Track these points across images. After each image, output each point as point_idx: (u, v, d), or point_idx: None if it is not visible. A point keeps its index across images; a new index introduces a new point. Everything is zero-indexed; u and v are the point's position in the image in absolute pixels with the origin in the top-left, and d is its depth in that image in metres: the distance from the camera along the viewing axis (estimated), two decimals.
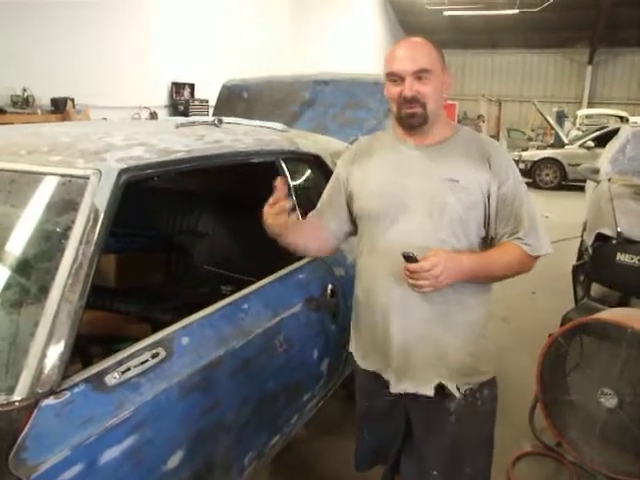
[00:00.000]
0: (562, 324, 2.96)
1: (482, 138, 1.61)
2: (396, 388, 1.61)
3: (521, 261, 1.54)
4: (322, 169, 2.54)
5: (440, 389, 1.57)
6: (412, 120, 1.50)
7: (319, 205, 1.77)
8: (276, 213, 1.47)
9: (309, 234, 1.70)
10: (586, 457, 2.54)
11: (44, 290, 1.29)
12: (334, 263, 2.36)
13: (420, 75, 1.45)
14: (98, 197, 1.42)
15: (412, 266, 1.38)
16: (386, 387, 1.63)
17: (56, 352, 1.22)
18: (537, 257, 1.56)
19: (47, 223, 1.43)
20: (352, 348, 1.77)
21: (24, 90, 6.71)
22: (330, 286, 2.25)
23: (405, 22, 20.28)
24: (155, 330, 1.56)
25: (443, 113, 1.57)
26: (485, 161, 1.51)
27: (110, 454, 1.25)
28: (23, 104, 6.72)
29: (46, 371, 1.20)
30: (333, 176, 1.76)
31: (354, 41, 16.88)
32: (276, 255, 2.19)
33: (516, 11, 16.73)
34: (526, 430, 2.85)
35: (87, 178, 1.46)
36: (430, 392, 1.56)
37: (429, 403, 1.59)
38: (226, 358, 1.64)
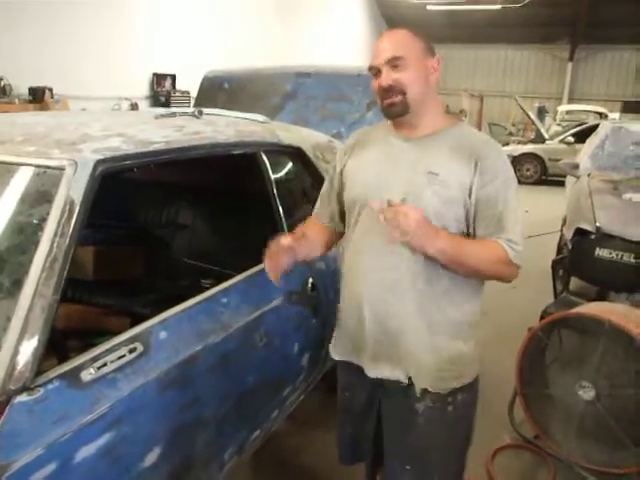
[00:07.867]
0: (541, 318, 2.99)
1: (477, 136, 1.54)
2: (370, 373, 1.60)
3: (502, 262, 1.46)
4: (304, 162, 2.52)
5: (406, 387, 1.54)
6: (392, 109, 1.48)
7: (318, 203, 1.80)
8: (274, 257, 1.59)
9: (316, 242, 1.71)
10: (564, 449, 2.57)
11: (17, 284, 1.26)
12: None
13: (395, 63, 1.43)
14: (74, 188, 1.39)
15: (395, 202, 1.35)
16: (363, 379, 1.62)
17: (29, 348, 1.19)
18: (517, 266, 1.49)
19: (21, 215, 1.40)
20: (332, 341, 1.75)
21: (1, 79, 6.56)
22: (311, 280, 2.24)
23: (388, 16, 20.26)
24: (134, 324, 1.53)
25: (434, 104, 1.53)
26: (472, 159, 1.45)
27: (85, 452, 1.23)
28: (0, 93, 6.57)
29: (19, 367, 1.17)
30: (330, 169, 1.78)
31: (339, 36, 16.83)
32: (256, 248, 2.18)
33: (498, 7, 16.78)
34: (505, 423, 2.87)
35: (62, 169, 1.42)
36: (398, 381, 1.55)
37: (398, 401, 1.58)
38: (205, 353, 1.62)
